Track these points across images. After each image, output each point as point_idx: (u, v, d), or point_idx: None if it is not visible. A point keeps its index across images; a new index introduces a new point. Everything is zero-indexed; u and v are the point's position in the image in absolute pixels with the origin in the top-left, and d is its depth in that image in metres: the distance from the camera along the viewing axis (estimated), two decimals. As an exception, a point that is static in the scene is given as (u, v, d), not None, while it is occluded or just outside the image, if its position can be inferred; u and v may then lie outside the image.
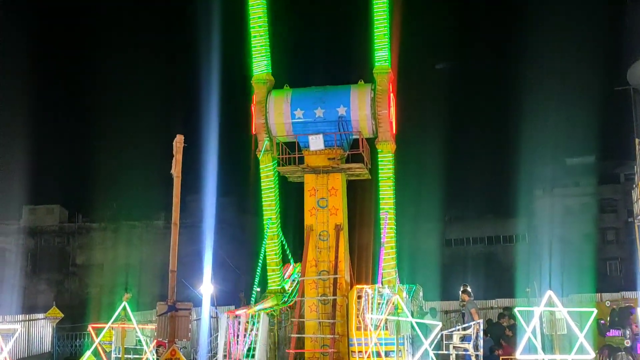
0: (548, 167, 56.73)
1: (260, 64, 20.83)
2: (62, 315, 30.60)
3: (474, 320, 16.94)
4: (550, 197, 57.93)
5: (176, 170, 12.04)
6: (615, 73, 42.36)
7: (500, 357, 16.41)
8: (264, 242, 20.38)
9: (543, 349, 13.07)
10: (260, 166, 20.58)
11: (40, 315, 30.81)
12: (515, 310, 15.31)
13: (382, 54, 20.70)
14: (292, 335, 18.40)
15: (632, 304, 21.85)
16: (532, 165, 53.12)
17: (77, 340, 29.71)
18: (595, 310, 14.41)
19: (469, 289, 21.00)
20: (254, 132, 20.80)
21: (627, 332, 19.82)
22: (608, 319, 22.06)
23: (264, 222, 20.66)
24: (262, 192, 20.66)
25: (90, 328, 18.74)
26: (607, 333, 20.53)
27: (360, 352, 15.79)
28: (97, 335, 17.89)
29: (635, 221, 23.03)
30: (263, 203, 20.67)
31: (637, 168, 23.86)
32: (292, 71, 22.46)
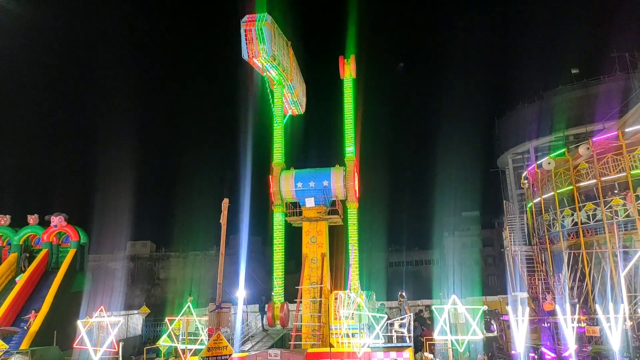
0: (452, 217, 57.19)
1: (277, 155, 21.11)
2: (149, 311, 29.87)
3: (407, 313, 16.71)
4: (453, 236, 58.26)
5: (223, 220, 12.01)
6: (490, 160, 43.20)
7: (425, 338, 16.10)
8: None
9: (450, 332, 12.88)
10: (274, 216, 20.65)
11: (135, 311, 30.05)
12: (433, 307, 15.14)
13: (350, 149, 21.17)
14: (294, 323, 18.08)
15: (496, 308, 21.54)
16: (442, 216, 53.72)
17: (158, 327, 28.90)
18: (482, 307, 14.30)
19: (404, 293, 20.83)
20: (271, 196, 20.92)
21: (494, 325, 19.50)
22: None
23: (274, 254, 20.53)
24: (274, 234, 20.60)
25: (166, 320, 18.30)
26: (491, 327, 20.02)
27: (336, 333, 15.49)
28: (171, 324, 17.49)
29: (505, 250, 23.05)
30: (274, 241, 20.59)
31: (505, 218, 24.05)
32: (296, 157, 22.76)
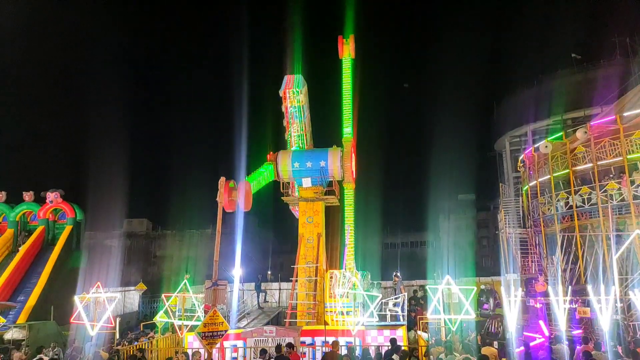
0: (447, 200, 57.52)
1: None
2: (146, 288, 30.08)
3: (401, 293, 16.88)
4: (448, 219, 58.64)
5: (219, 198, 11.97)
6: (488, 144, 43.26)
7: (418, 317, 16.29)
8: None
9: (443, 311, 13.03)
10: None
11: (132, 288, 30.25)
12: (427, 287, 15.28)
13: (347, 130, 21.02)
14: (290, 301, 18.24)
15: (493, 287, 21.93)
16: (438, 198, 53.93)
17: (155, 304, 29.15)
18: (475, 288, 14.40)
19: (399, 273, 21.00)
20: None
21: (492, 303, 19.81)
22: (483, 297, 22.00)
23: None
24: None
25: (163, 296, 18.44)
26: (484, 306, 20.42)
27: (331, 312, 15.67)
28: (167, 301, 17.62)
29: (500, 233, 23.20)
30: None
31: (500, 201, 24.14)
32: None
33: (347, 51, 21.47)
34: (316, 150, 20.79)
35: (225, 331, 9.30)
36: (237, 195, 14.93)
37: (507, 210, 23.06)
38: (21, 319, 19.85)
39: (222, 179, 11.44)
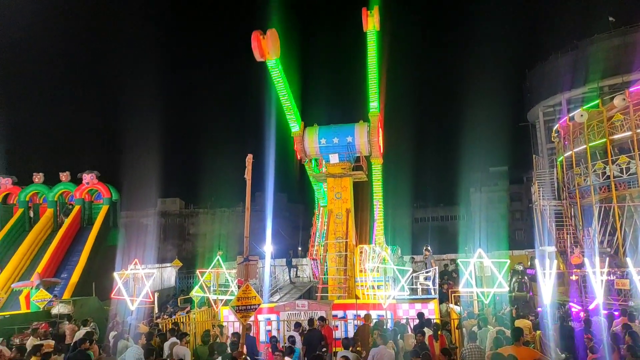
0: (479, 173, 56.51)
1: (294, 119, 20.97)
2: (181, 264, 31.00)
3: (432, 267, 16.81)
4: (479, 192, 57.65)
5: (247, 175, 12.00)
6: (520, 114, 41.99)
7: (450, 290, 16.22)
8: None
9: (476, 285, 12.92)
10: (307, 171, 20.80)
11: (168, 264, 31.22)
12: (458, 260, 15.15)
13: (373, 104, 20.74)
14: (321, 277, 18.45)
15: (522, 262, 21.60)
16: (468, 171, 53.05)
17: (190, 279, 30.02)
18: (508, 261, 14.19)
19: (429, 247, 20.91)
20: (296, 153, 20.97)
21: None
22: (525, 264, 21.71)
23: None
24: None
25: (198, 272, 18.93)
26: (528, 271, 20.05)
27: (362, 285, 15.76)
28: (202, 276, 18.09)
29: (533, 206, 22.69)
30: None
31: (534, 173, 23.53)
32: (321, 113, 22.55)
33: (371, 23, 20.96)
34: (343, 125, 20.61)
35: (258, 305, 9.48)
36: (267, 44, 16.87)
37: (541, 182, 22.46)
38: (66, 295, 20.79)
39: (250, 156, 11.46)
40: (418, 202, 64.82)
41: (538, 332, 10.82)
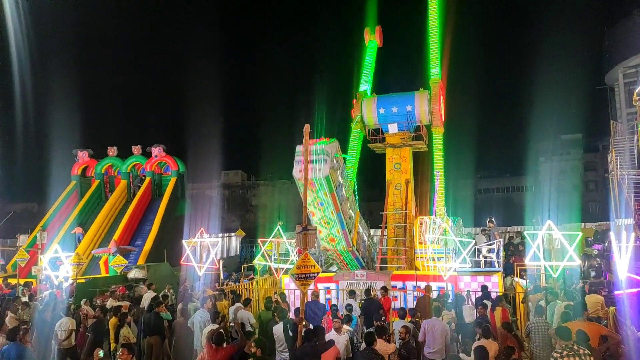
0: (549, 141, 53.24)
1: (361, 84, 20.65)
2: (244, 234, 32.14)
3: (496, 239, 16.29)
4: (550, 161, 54.45)
5: (305, 145, 11.99)
6: (597, 76, 38.75)
7: (515, 263, 15.67)
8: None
9: (543, 258, 12.34)
10: (352, 130, 20.54)
11: (232, 234, 32.51)
12: (525, 233, 14.51)
13: (435, 70, 20.07)
14: (380, 247, 18.44)
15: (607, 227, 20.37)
16: (537, 139, 50.11)
17: (253, 248, 31.13)
18: (580, 233, 13.40)
19: (493, 219, 20.23)
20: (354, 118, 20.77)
21: (606, 244, 18.35)
22: (592, 237, 20.65)
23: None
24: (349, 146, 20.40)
25: (259, 241, 19.57)
26: (594, 246, 19.18)
27: (422, 257, 15.59)
28: (263, 245, 18.68)
29: (610, 175, 21.14)
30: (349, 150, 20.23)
31: (611, 140, 21.83)
32: (378, 82, 22.09)
33: (434, -17, 19.97)
34: (402, 94, 20.07)
35: (317, 273, 9.64)
36: None
37: (620, 150, 20.79)
38: (140, 261, 22.32)
39: (307, 126, 11.44)
40: (482, 172, 62.41)
41: (612, 308, 10.20)
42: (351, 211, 16.55)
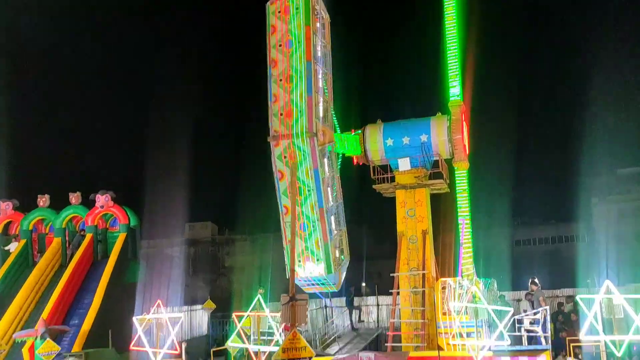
0: (603, 177, 53.72)
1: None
2: (215, 306, 31.66)
3: (542, 306, 16.19)
4: (605, 202, 54.81)
5: (291, 190, 12.16)
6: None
7: (567, 339, 15.45)
8: None
9: (604, 330, 12.23)
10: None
11: (199, 307, 32.04)
12: (578, 297, 14.42)
13: (455, 90, 20.45)
14: (391, 320, 18.24)
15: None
16: (589, 175, 50.53)
17: (225, 326, 30.61)
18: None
19: (536, 280, 20.14)
20: (353, 159, 21.05)
21: None
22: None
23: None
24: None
25: (234, 316, 19.26)
26: None
27: (446, 333, 15.41)
28: (239, 321, 18.38)
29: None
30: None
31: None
32: (384, 107, 22.52)
33: (449, -15, 20.71)
34: (414, 120, 20.42)
35: (310, 358, 9.48)
36: None
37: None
38: (77, 346, 21.74)
39: (293, 163, 11.56)
40: (520, 218, 62.41)
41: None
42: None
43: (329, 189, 17.92)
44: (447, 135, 19.50)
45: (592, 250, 50.16)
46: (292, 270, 9.82)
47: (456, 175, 19.98)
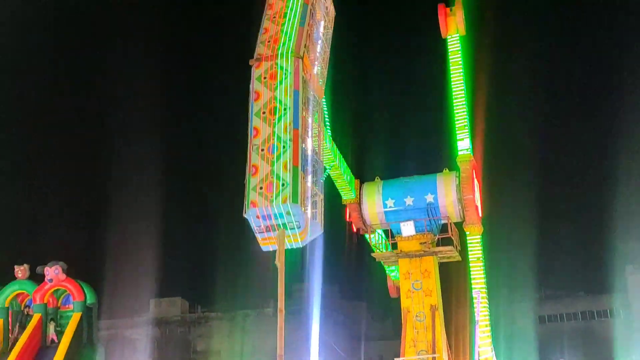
0: (638, 242, 54.03)
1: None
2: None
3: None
4: (641, 271, 54.99)
5: (280, 260, 12.17)
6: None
7: None
8: None
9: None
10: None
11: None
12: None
13: (464, 144, 20.80)
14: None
15: None
16: (621, 242, 50.73)
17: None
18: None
19: (566, 362, 20.00)
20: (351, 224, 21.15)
21: None
22: None
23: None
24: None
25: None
26: None
27: None
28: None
29: None
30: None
31: None
32: (381, 163, 22.80)
33: (453, 26, 21.48)
34: (418, 178, 20.66)
35: None
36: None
37: None
38: None
39: (282, 231, 11.65)
40: (545, 291, 62.23)
41: None
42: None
43: (309, 120, 16.84)
44: (456, 194, 19.69)
45: (628, 326, 49.76)
46: (281, 357, 9.76)
47: (468, 241, 20.08)
